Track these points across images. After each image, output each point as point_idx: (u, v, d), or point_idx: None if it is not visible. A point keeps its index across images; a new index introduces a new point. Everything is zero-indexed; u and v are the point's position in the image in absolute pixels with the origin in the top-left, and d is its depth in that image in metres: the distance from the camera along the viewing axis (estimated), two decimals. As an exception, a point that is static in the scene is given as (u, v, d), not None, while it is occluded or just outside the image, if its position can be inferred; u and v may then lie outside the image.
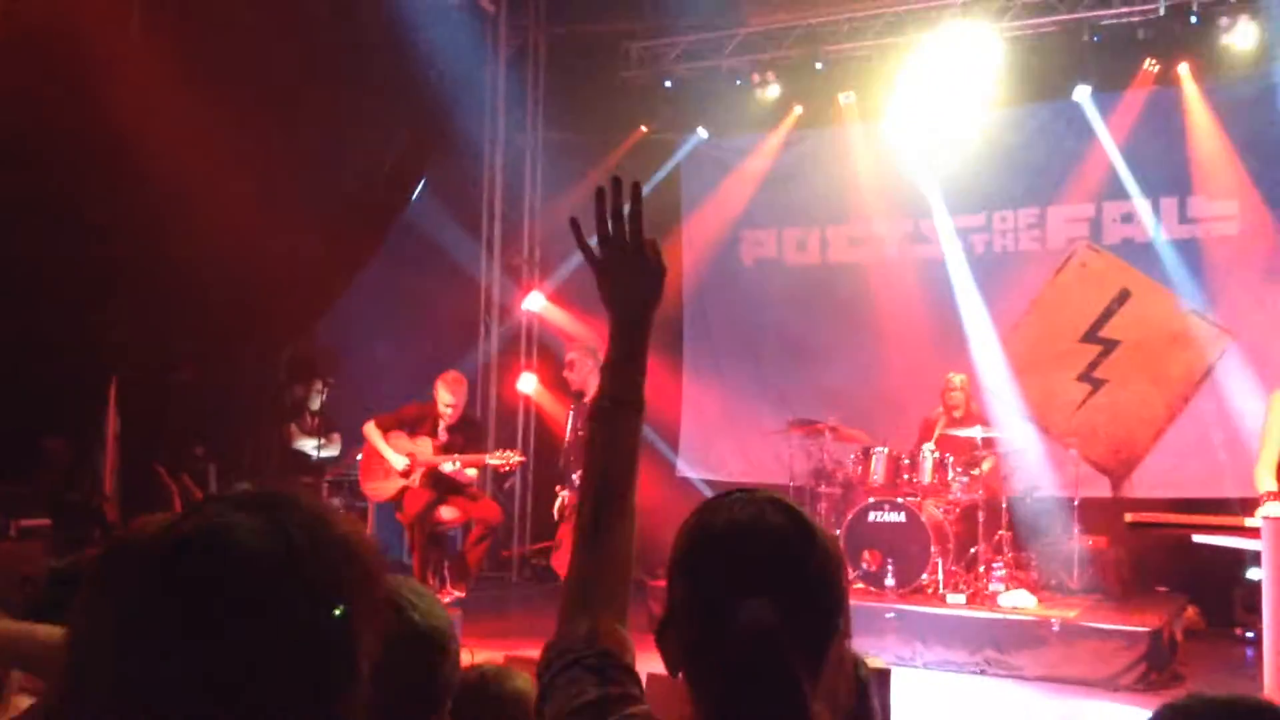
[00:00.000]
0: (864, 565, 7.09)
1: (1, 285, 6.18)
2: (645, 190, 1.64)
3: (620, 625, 1.38)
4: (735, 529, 1.27)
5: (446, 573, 7.55)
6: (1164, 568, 7.60)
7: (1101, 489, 8.14)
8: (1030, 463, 8.01)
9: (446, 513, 7.47)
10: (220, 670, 0.89)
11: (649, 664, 1.37)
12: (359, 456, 7.73)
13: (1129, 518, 5.50)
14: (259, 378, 8.77)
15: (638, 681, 1.34)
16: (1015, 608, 6.82)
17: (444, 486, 7.36)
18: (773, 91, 9.43)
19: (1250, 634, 6.76)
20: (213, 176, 6.54)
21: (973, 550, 7.33)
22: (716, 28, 9.54)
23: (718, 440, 9.75)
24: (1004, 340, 8.69)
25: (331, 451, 9.17)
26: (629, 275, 1.55)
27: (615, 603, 1.40)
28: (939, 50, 8.56)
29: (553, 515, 7.13)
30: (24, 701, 1.91)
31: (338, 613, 0.92)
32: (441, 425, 7.36)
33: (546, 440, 9.68)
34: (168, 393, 7.75)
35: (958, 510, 7.44)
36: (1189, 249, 8.22)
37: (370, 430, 7.38)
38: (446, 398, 7.32)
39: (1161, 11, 8.09)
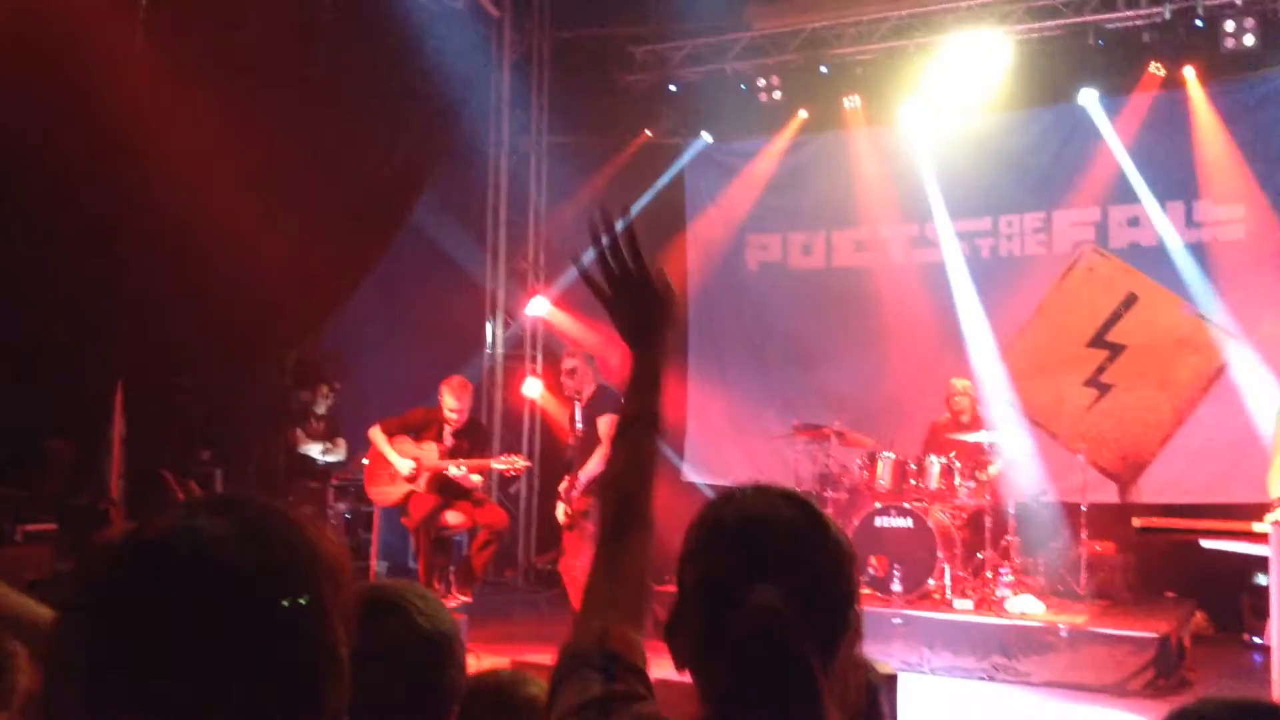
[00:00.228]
0: (871, 570, 7.07)
1: (8, 289, 6.18)
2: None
3: (635, 632, 1.38)
4: (747, 520, 1.28)
5: (452, 578, 7.52)
6: (1172, 573, 7.58)
7: (1109, 494, 8.10)
8: (1037, 468, 7.99)
9: (452, 517, 7.45)
10: (200, 668, 0.92)
11: (659, 670, 1.36)
12: (365, 461, 7.72)
13: (1137, 523, 5.49)
14: (265, 382, 8.76)
15: (646, 682, 1.33)
16: (1023, 613, 6.79)
17: (449, 491, 7.35)
18: (777, 96, 9.41)
19: (1258, 639, 6.73)
20: (219, 180, 6.55)
21: (980, 556, 7.30)
22: (721, 32, 9.53)
23: (723, 445, 9.73)
24: (1010, 345, 8.67)
25: (337, 456, 9.17)
26: (640, 308, 1.61)
27: (632, 611, 1.41)
28: (944, 54, 8.56)
29: (557, 520, 7.11)
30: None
31: (303, 601, 0.96)
32: (447, 430, 7.36)
33: (551, 445, 9.66)
34: (173, 397, 7.75)
35: (965, 515, 7.42)
36: (1196, 253, 8.19)
37: (376, 435, 7.39)
38: (452, 402, 7.32)
39: (1167, 15, 8.07)
